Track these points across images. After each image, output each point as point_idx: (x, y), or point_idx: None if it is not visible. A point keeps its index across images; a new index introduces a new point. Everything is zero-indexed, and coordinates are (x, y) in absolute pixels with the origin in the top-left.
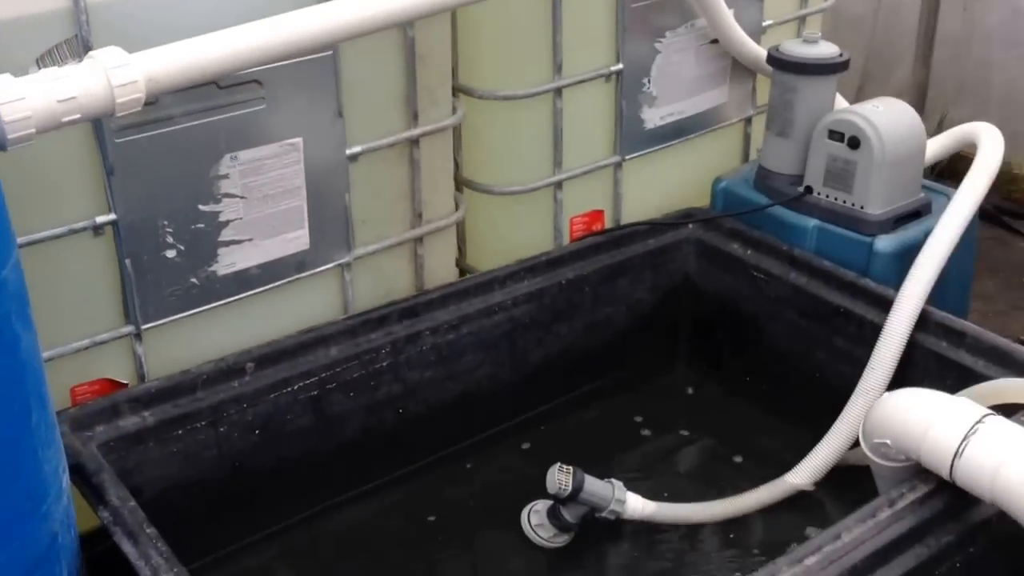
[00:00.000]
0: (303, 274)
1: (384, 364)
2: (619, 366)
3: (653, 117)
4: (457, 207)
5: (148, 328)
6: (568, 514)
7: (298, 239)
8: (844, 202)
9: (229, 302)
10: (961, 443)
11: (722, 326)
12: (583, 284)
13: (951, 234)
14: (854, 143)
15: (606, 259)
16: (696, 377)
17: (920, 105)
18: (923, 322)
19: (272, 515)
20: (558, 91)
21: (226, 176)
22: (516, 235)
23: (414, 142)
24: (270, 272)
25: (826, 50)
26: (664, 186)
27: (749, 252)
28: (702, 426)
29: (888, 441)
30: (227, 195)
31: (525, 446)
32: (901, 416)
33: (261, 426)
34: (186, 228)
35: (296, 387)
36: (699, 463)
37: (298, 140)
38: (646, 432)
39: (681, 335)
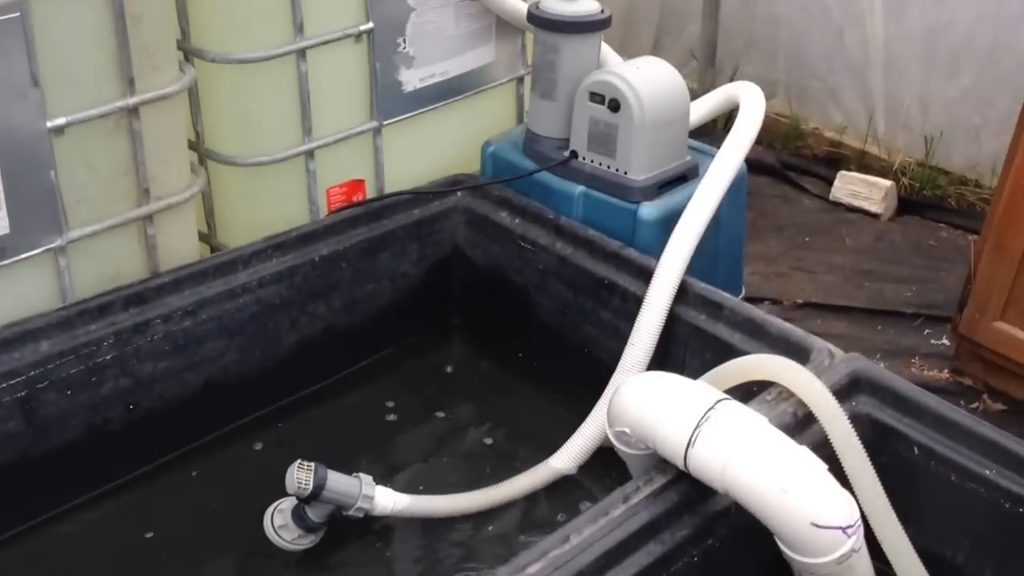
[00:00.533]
0: (4, 262)
1: (108, 357)
2: (386, 345)
3: (412, 79)
4: (197, 181)
5: None
6: (313, 514)
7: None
8: (608, 167)
9: None
10: (693, 432)
11: (493, 299)
12: (340, 260)
13: (710, 200)
14: (614, 105)
15: (365, 232)
16: (469, 354)
17: (711, 60)
18: (683, 294)
19: None
20: (301, 53)
21: None
22: (269, 210)
23: (132, 111)
24: None
25: (587, 7)
26: (431, 152)
27: (517, 221)
28: (465, 408)
29: (627, 430)
30: None
31: (262, 444)
32: (638, 403)
33: None
34: None
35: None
36: (458, 450)
37: None
38: (397, 417)
39: (453, 310)
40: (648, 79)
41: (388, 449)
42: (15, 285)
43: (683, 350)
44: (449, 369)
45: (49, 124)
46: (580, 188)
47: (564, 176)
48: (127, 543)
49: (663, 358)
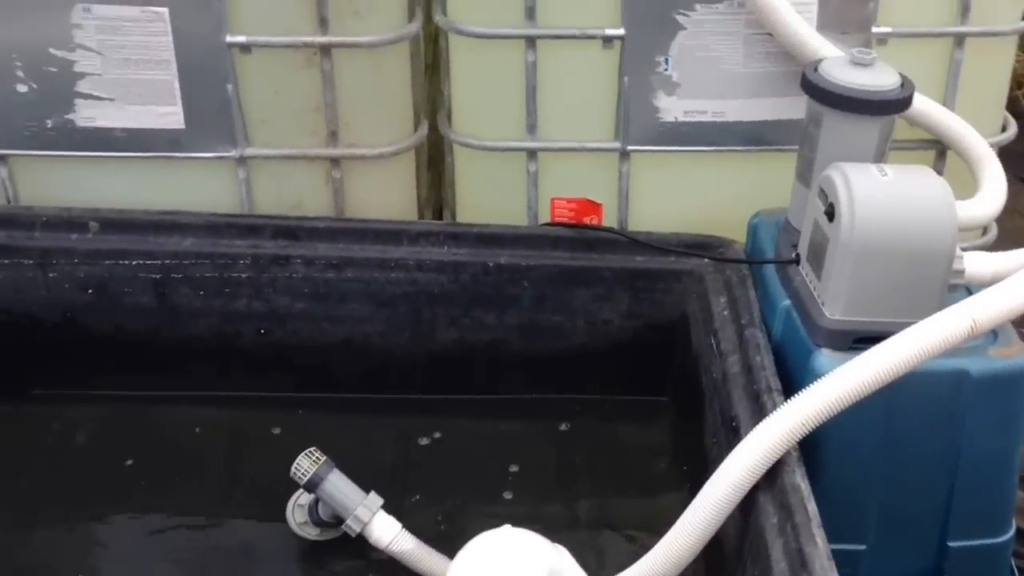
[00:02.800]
0: (179, 154)
1: (243, 276)
2: (559, 388)
3: (673, 108)
4: (402, 142)
5: (7, 154)
6: (321, 511)
7: (170, 116)
8: (813, 289)
9: (93, 156)
10: None
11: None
12: (521, 276)
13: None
14: (830, 212)
15: (563, 258)
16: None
17: None
18: None
19: (97, 377)
20: (530, 41)
21: (79, 26)
22: (491, 199)
23: (324, 52)
24: (139, 140)
25: (878, 79)
26: (684, 200)
27: (724, 313)
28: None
29: None
30: (81, 46)
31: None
32: None
33: (95, 287)
34: (37, 68)
35: (134, 263)
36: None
37: (163, 10)
38: (518, 471)
39: (665, 383)
40: (884, 190)
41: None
42: (195, 181)
43: None
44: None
45: (229, 39)
46: (786, 302)
47: (783, 280)
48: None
49: None
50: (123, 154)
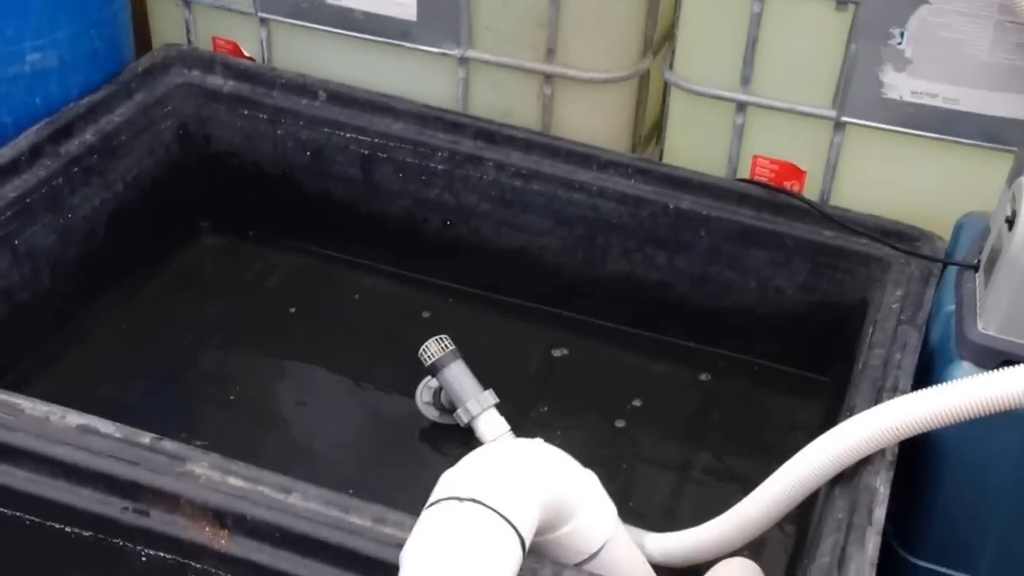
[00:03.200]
0: (407, 44)
1: (439, 167)
2: (723, 342)
3: (901, 86)
4: (618, 70)
5: (268, 18)
6: (443, 396)
7: (404, 7)
8: (978, 297)
9: (335, 32)
10: None
11: None
12: (698, 225)
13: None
14: (1011, 219)
15: (747, 216)
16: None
17: None
18: None
19: (301, 232)
20: None
21: None
22: (701, 144)
23: None
24: (375, 25)
25: None
26: (896, 186)
27: (893, 304)
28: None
29: None
30: None
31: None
32: None
33: (314, 151)
34: None
35: (348, 135)
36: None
37: None
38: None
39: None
40: None
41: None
42: (419, 71)
43: None
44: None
45: None
46: (951, 307)
47: (958, 284)
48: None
49: None
50: (359, 35)
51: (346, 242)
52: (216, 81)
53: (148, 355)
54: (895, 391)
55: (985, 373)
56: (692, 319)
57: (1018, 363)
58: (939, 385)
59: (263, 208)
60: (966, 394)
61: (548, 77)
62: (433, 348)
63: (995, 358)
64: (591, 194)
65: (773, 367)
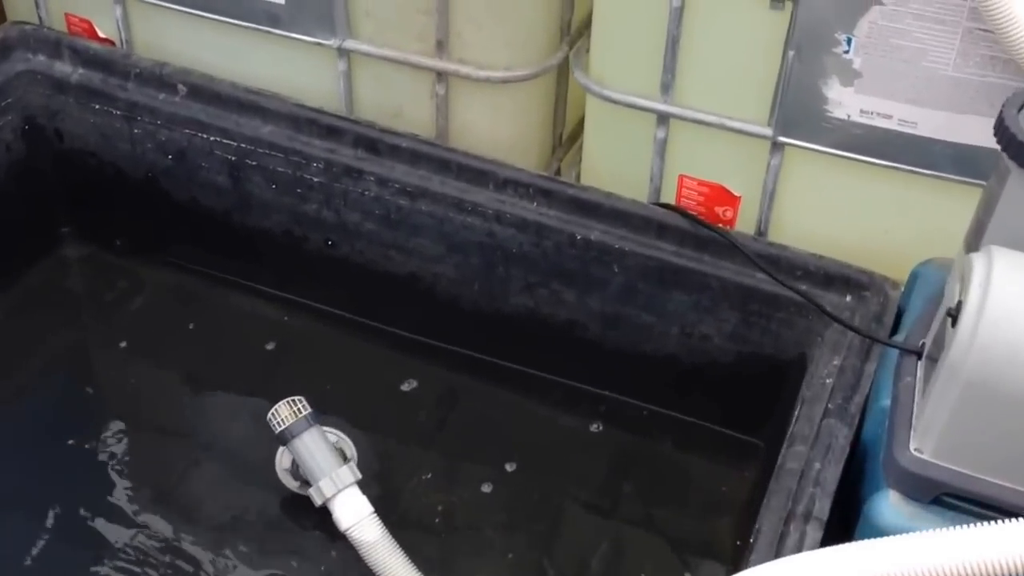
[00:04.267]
0: (277, 31)
1: (315, 180)
2: (638, 392)
3: (847, 103)
4: (521, 68)
5: None
6: (300, 467)
7: None
8: (915, 402)
9: (194, 14)
10: None
11: None
12: (612, 260)
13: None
14: (955, 313)
15: (668, 252)
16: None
17: None
18: None
19: (171, 244)
20: None
21: None
22: (615, 156)
23: None
24: (239, 7)
25: None
26: (841, 218)
27: (824, 379)
28: None
29: None
30: None
31: (409, 383)
32: None
33: (175, 154)
34: None
35: (212, 138)
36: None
37: None
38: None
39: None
40: None
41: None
42: (294, 62)
43: None
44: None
45: None
46: (887, 402)
47: (898, 370)
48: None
49: None
50: (222, 18)
51: (220, 258)
52: (64, 68)
53: None
54: (808, 518)
55: (909, 535)
56: (604, 365)
57: (968, 499)
58: (840, 547)
59: (127, 215)
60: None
61: (440, 75)
62: (284, 412)
63: (931, 490)
64: (487, 218)
65: (697, 424)
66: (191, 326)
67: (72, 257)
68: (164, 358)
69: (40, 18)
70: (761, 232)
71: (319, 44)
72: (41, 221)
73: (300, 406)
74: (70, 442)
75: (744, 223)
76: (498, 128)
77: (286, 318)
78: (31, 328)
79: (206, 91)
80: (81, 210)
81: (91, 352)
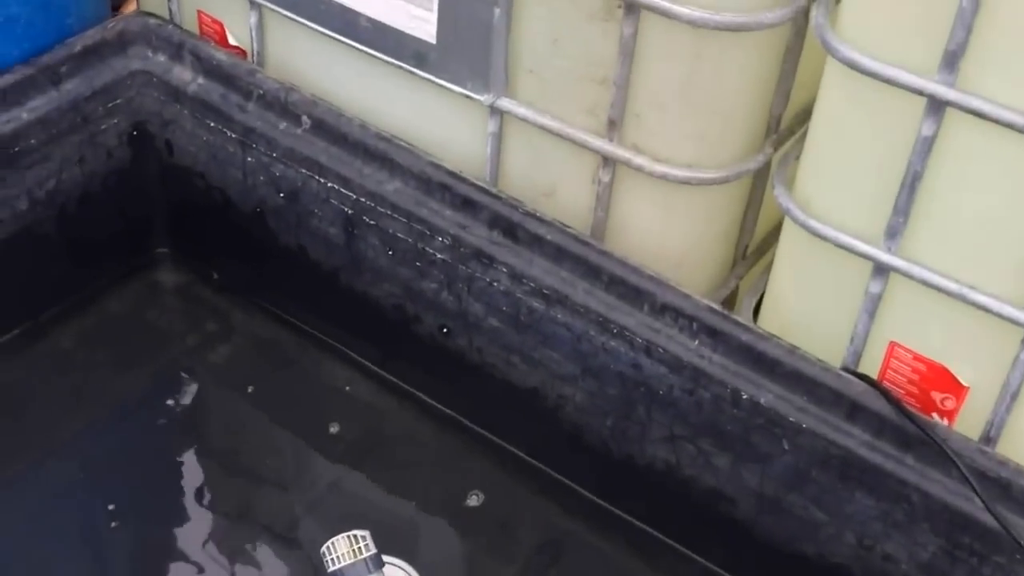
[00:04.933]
0: (421, 72)
1: (437, 256)
2: None
3: None
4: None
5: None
6: None
7: (422, 23)
8: None
9: (333, 38)
10: None
11: None
12: (783, 433)
13: None
14: None
15: (862, 444)
16: None
17: None
18: None
19: (273, 290)
20: (935, 105)
21: None
22: (813, 304)
23: (629, 9)
24: (383, 38)
25: None
26: None
27: None
28: None
29: None
30: None
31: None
32: None
33: (288, 193)
34: None
35: (329, 184)
36: None
37: None
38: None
39: None
40: None
41: None
42: (438, 114)
43: None
44: None
45: None
46: None
47: None
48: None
49: None
50: (362, 47)
51: (320, 319)
52: (183, 75)
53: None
54: None
55: None
56: (747, 552)
57: None
58: None
59: (230, 249)
60: None
61: (607, 159)
62: (341, 549)
63: None
64: (635, 347)
65: None
66: (270, 386)
67: (164, 284)
68: (227, 421)
69: (171, 11)
70: (989, 439)
71: (468, 97)
72: (137, 238)
73: (363, 544)
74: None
75: (968, 423)
76: (668, 234)
77: (380, 402)
78: (99, 361)
79: (332, 129)
80: (182, 233)
81: (151, 401)
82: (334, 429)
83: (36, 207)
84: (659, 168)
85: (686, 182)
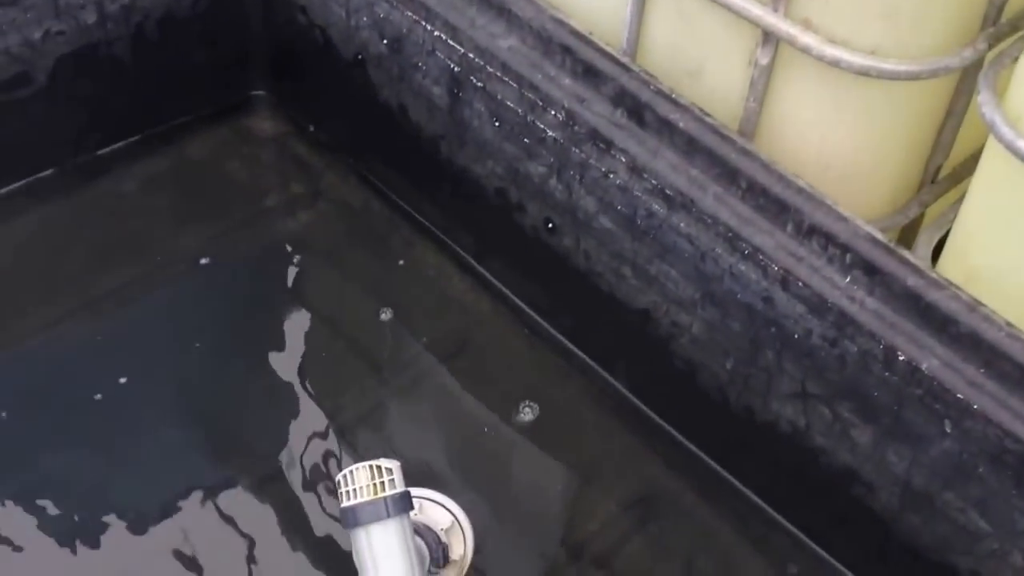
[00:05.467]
0: None
1: (548, 133)
2: None
3: None
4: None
5: None
6: None
7: None
8: None
9: None
10: None
11: None
12: (946, 410)
13: None
14: None
15: None
16: None
17: None
18: None
19: (367, 151)
20: None
21: None
22: (1006, 242)
23: None
24: None
25: None
26: None
27: None
28: None
29: None
30: None
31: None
32: None
33: (391, 39)
34: None
35: (436, 32)
36: None
37: None
38: None
39: None
40: None
41: None
42: None
43: None
44: None
45: None
46: None
47: None
48: None
49: None
50: None
51: (418, 193)
52: None
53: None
54: None
55: None
56: (888, 558)
57: None
58: None
59: (327, 100)
60: None
61: (768, 35)
62: (361, 481)
63: None
64: (769, 275)
65: None
66: (346, 261)
67: (254, 131)
68: (298, 293)
69: None
70: None
71: None
72: (229, 75)
73: (387, 479)
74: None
75: None
76: (835, 139)
77: (471, 300)
78: (160, 208)
79: None
80: (279, 76)
81: (208, 263)
82: (415, 326)
83: (106, 23)
84: (832, 51)
85: (865, 72)
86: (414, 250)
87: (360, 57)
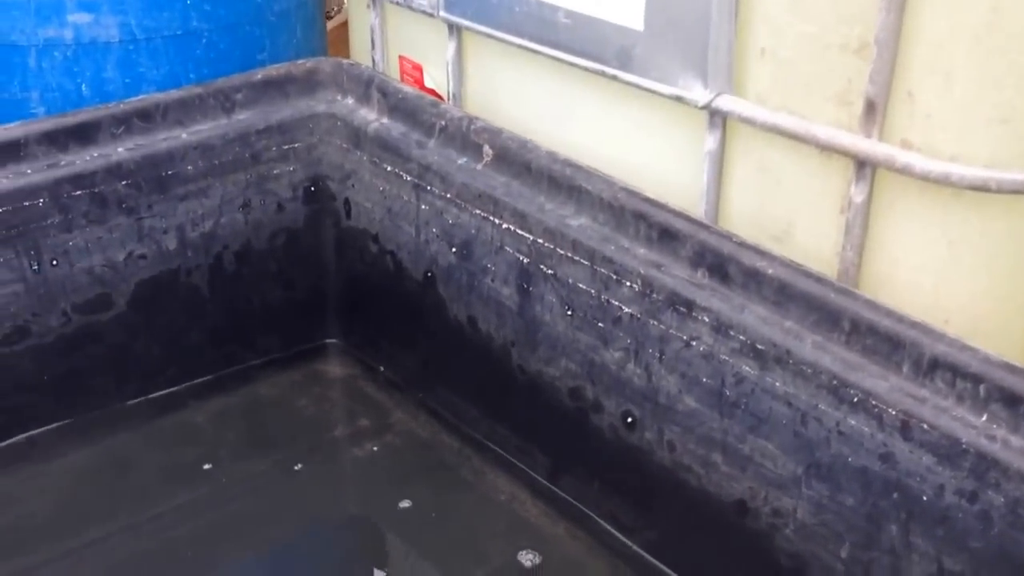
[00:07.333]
0: (624, 75)
1: (624, 310)
2: None
3: None
4: None
5: (456, 22)
6: None
7: (629, 10)
8: None
9: (533, 48)
10: None
11: None
12: None
13: None
14: None
15: None
16: None
17: None
18: None
19: (437, 384)
20: None
21: None
22: None
23: None
24: (583, 35)
25: None
26: None
27: None
28: None
29: None
30: None
31: None
32: None
33: (460, 245)
34: None
35: (504, 225)
36: None
37: None
38: None
39: None
40: None
41: None
42: (644, 121)
43: None
44: None
45: None
46: None
47: None
48: None
49: None
50: (560, 55)
51: (489, 420)
52: (366, 115)
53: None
54: None
55: None
56: None
57: None
58: None
59: (399, 330)
60: None
61: (862, 165)
62: None
63: None
64: (885, 427)
65: None
66: (421, 495)
67: (326, 375)
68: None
69: (374, 60)
70: None
71: (680, 100)
72: (304, 319)
73: None
74: None
75: None
76: (950, 275)
77: (546, 526)
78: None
79: (515, 158)
80: (351, 319)
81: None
82: (492, 557)
83: (187, 250)
84: (940, 168)
85: (983, 187)
86: (484, 479)
87: (430, 274)
